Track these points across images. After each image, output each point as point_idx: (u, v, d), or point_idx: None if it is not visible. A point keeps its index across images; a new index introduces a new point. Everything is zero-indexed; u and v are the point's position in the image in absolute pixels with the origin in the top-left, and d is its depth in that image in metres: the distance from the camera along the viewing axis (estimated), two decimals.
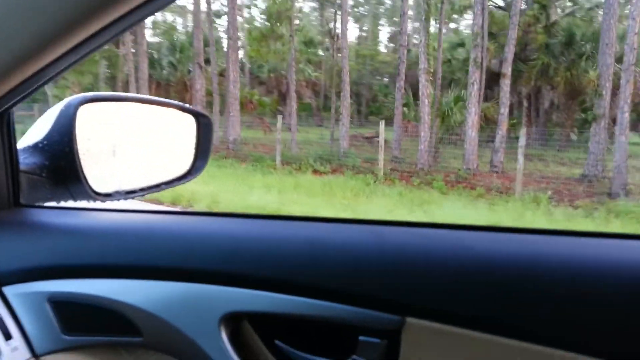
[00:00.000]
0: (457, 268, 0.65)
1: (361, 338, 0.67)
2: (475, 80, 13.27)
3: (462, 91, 16.02)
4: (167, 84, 24.82)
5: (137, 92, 17.71)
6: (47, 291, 0.74)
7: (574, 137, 17.25)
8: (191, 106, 1.08)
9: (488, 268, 0.63)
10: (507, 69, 13.92)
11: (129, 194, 0.95)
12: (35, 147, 0.85)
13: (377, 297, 0.66)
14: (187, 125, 1.06)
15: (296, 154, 15.58)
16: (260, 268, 0.70)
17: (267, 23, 25.62)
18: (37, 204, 0.88)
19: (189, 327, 0.72)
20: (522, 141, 10.73)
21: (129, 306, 0.73)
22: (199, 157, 1.09)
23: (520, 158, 10.61)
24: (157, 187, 1.01)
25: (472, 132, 13.07)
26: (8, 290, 0.74)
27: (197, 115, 1.08)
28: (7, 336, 0.71)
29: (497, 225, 0.75)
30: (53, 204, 0.90)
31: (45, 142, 0.85)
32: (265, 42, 24.72)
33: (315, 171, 13.07)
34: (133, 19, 0.56)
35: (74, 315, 0.75)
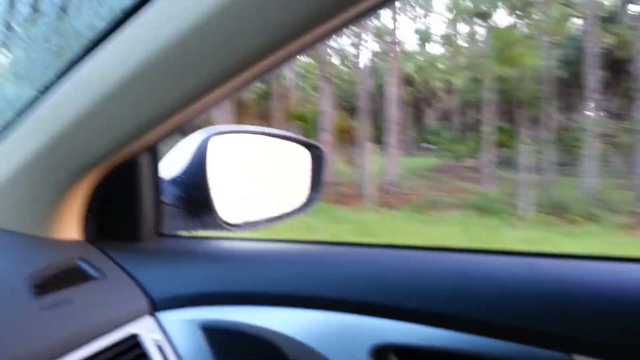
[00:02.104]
0: (622, 301, 0.61)
1: None
2: None
3: None
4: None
5: None
6: (200, 318, 0.76)
7: None
8: (305, 138, 1.11)
9: None
10: None
11: (255, 224, 0.98)
12: (172, 180, 0.91)
13: (538, 333, 0.62)
14: (304, 157, 1.09)
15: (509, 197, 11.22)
16: (411, 300, 0.68)
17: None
18: (174, 233, 0.92)
19: (339, 357, 0.70)
20: None
21: (279, 334, 0.73)
22: (313, 189, 1.11)
23: None
24: (278, 218, 1.03)
25: None
26: (163, 316, 0.77)
27: (309, 146, 1.11)
28: None
29: None
30: (187, 232, 0.94)
31: (182, 175, 0.90)
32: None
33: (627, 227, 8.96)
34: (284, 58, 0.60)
35: (225, 343, 0.75)
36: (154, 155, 0.85)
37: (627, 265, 0.69)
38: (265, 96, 22.38)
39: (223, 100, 0.68)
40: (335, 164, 17.16)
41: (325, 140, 14.94)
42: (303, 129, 18.31)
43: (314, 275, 0.76)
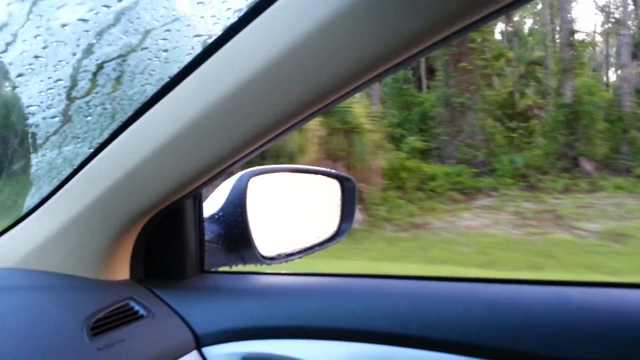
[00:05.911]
0: None
1: None
2: None
3: None
4: None
5: None
6: (242, 352, 0.81)
7: None
8: (336, 171, 1.16)
9: None
10: None
11: (289, 256, 1.03)
12: (212, 218, 0.97)
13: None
14: (334, 189, 1.13)
15: None
16: (440, 330, 0.71)
17: None
18: (215, 269, 0.98)
19: None
20: None
21: None
22: (345, 220, 1.15)
23: None
24: (311, 249, 1.08)
25: None
26: (207, 351, 0.82)
27: (341, 179, 1.15)
28: None
29: None
30: (227, 268, 1.00)
31: (221, 213, 0.96)
32: None
33: None
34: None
35: None
36: (198, 200, 0.91)
37: None
38: None
39: (271, 142, 0.71)
40: None
41: None
42: None
43: (349, 308, 0.79)
